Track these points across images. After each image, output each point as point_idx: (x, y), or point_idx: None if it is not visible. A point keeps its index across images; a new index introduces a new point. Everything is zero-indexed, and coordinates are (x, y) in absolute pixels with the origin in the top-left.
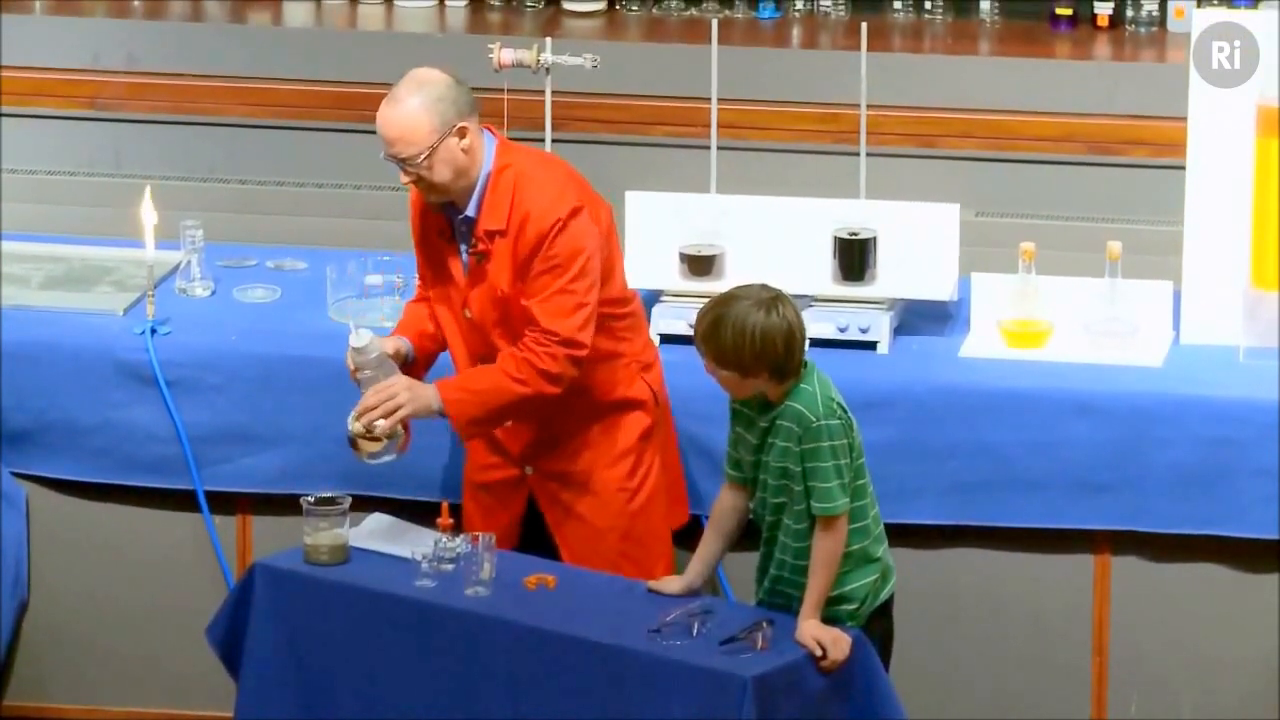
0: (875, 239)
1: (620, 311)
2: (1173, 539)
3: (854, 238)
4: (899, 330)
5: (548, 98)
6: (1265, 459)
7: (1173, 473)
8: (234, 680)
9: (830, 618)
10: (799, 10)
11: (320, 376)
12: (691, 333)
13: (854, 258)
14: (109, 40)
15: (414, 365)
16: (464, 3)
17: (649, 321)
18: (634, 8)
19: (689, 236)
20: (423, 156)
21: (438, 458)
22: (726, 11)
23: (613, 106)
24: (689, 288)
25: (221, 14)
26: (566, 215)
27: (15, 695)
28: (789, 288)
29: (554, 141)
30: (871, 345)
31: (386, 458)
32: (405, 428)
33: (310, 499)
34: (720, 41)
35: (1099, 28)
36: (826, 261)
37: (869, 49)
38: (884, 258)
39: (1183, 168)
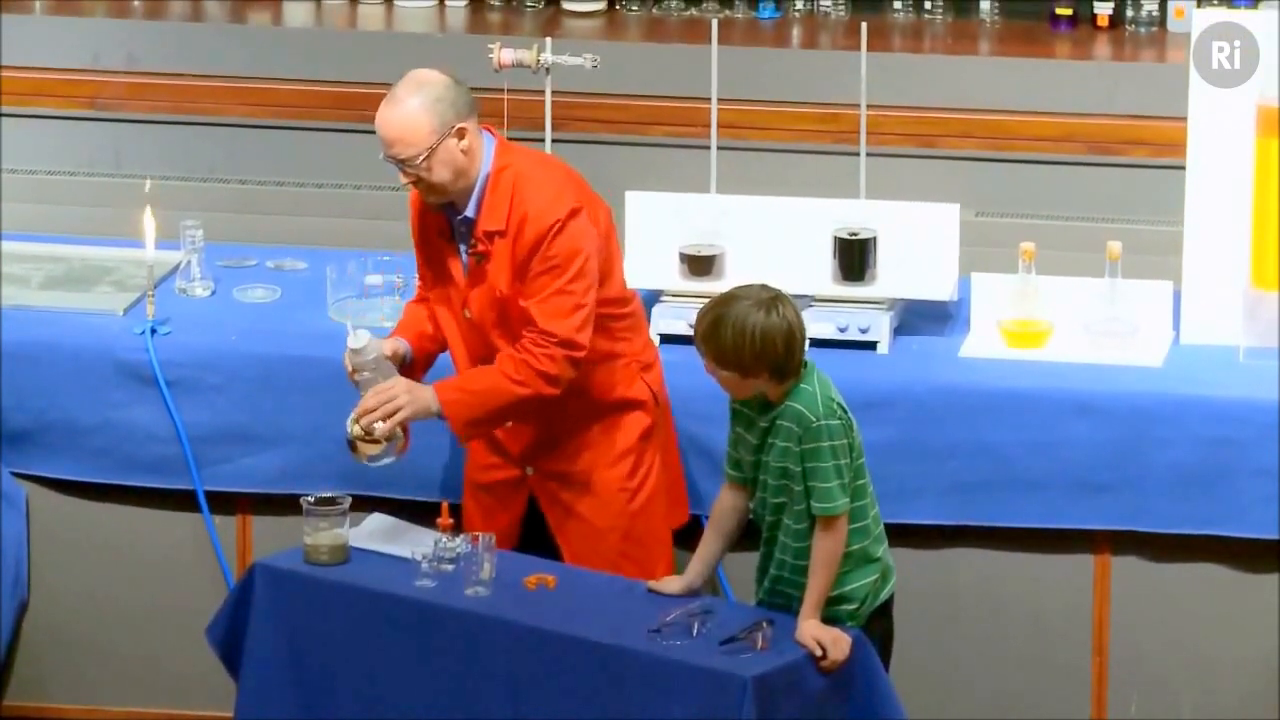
0: (875, 239)
1: (620, 312)
2: (1173, 539)
3: (854, 238)
4: (899, 330)
5: (548, 98)
6: (1265, 459)
7: (1173, 473)
8: (234, 680)
9: (830, 618)
10: (799, 10)
11: (320, 376)
12: (691, 333)
13: (854, 258)
14: (109, 40)
15: (412, 366)
16: (464, 3)
17: (649, 321)
18: (634, 8)
19: (689, 236)
20: (422, 157)
21: (438, 458)
22: (726, 11)
23: (613, 106)
24: (689, 288)
25: (221, 14)
26: (565, 216)
27: (15, 695)
28: (789, 288)
29: (554, 141)
30: (871, 345)
31: (386, 460)
32: (404, 430)
33: (310, 499)
34: (720, 41)
35: (1099, 28)
36: (826, 261)
37: (869, 49)
38: (884, 258)
39: (1183, 168)
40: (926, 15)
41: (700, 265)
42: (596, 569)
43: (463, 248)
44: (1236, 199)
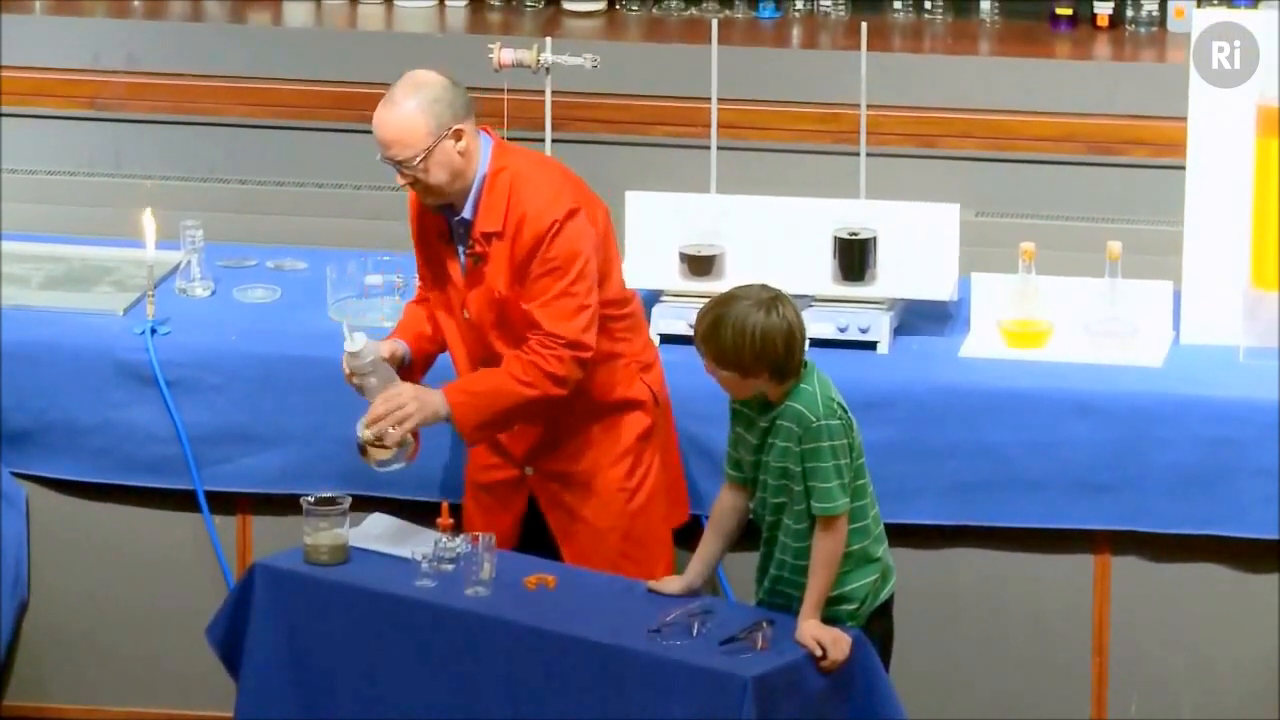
0: (875, 239)
1: (619, 313)
2: (1173, 539)
3: (854, 238)
4: (899, 330)
5: (548, 98)
6: (1265, 459)
7: (1173, 473)
8: (234, 680)
9: (830, 618)
10: (799, 10)
11: (320, 376)
12: (691, 333)
13: (854, 258)
14: (109, 40)
15: (411, 367)
16: (464, 3)
17: (649, 321)
18: (634, 8)
19: (689, 236)
20: (419, 159)
21: (438, 458)
22: (726, 11)
23: (613, 106)
24: (689, 288)
25: (221, 14)
26: (563, 217)
27: (15, 695)
28: (789, 288)
29: (554, 141)
30: (871, 345)
31: (396, 465)
32: (415, 435)
33: (310, 499)
34: (720, 41)
35: (1099, 28)
36: (826, 261)
37: (869, 49)
38: (884, 258)
39: (1183, 168)
40: (926, 15)
41: (700, 265)
42: (596, 569)
43: (461, 249)
44: (1236, 199)
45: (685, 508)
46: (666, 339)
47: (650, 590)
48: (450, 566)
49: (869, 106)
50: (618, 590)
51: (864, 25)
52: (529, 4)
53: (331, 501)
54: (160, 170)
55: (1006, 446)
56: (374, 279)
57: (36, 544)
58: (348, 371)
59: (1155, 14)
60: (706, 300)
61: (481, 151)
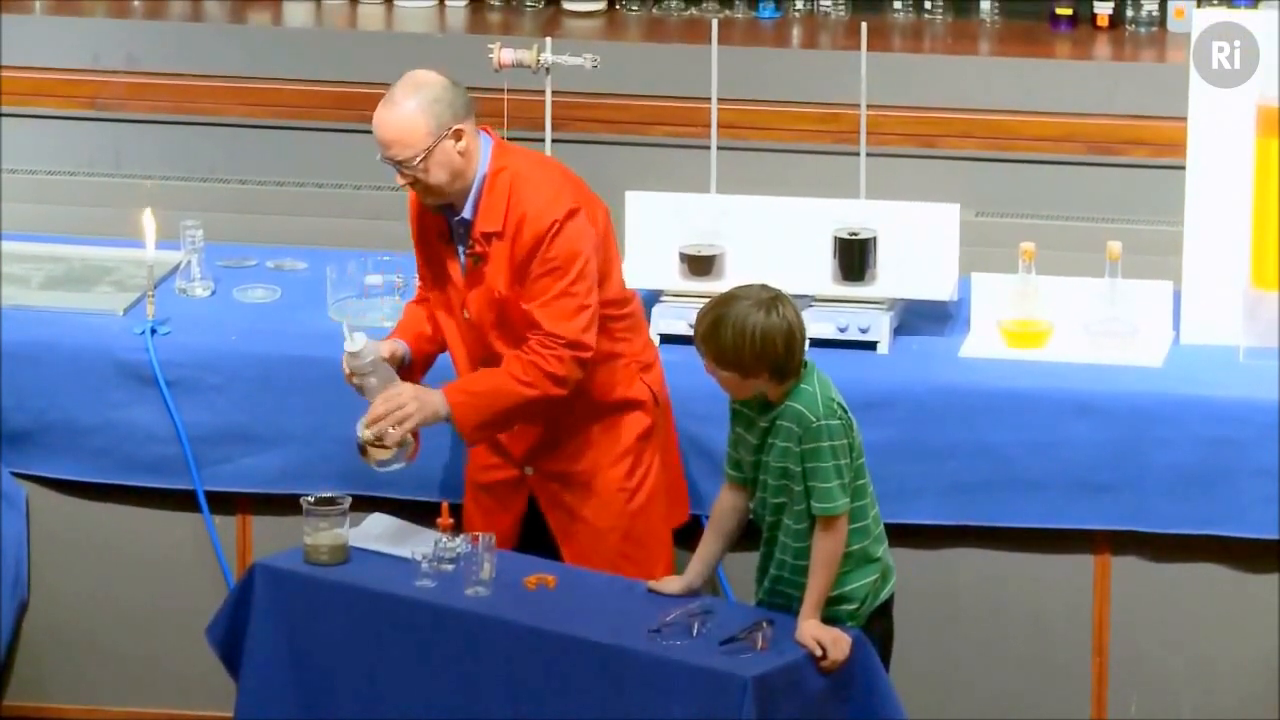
0: (875, 239)
1: (619, 313)
2: (1173, 539)
3: (854, 238)
4: (899, 330)
5: (548, 98)
6: (1265, 459)
7: (1173, 473)
8: (234, 680)
9: (830, 618)
10: (799, 10)
11: (320, 376)
12: (691, 333)
13: (854, 258)
14: (109, 40)
15: (411, 367)
16: (464, 3)
17: (649, 321)
18: (634, 8)
19: (689, 236)
20: (419, 159)
21: (438, 458)
22: (726, 11)
23: (613, 106)
24: (689, 288)
25: (221, 14)
26: (563, 217)
27: (15, 695)
28: (789, 288)
29: (554, 141)
30: (871, 345)
31: (396, 465)
32: (415, 436)
33: (310, 499)
34: (720, 41)
35: (1099, 28)
36: (826, 261)
37: (869, 49)
38: (884, 258)
39: (1183, 168)
40: (926, 15)
41: (700, 265)
42: (596, 569)
43: (461, 249)
44: (1236, 199)
45: (685, 508)
46: (666, 339)
47: (650, 590)
48: (450, 566)
49: (869, 106)
50: (618, 590)
51: (864, 25)
52: (529, 4)
53: (331, 501)
54: (160, 170)
55: (1006, 446)
56: (374, 279)
57: (36, 544)
58: (347, 371)
59: (1155, 14)
60: (706, 300)
61: (481, 151)
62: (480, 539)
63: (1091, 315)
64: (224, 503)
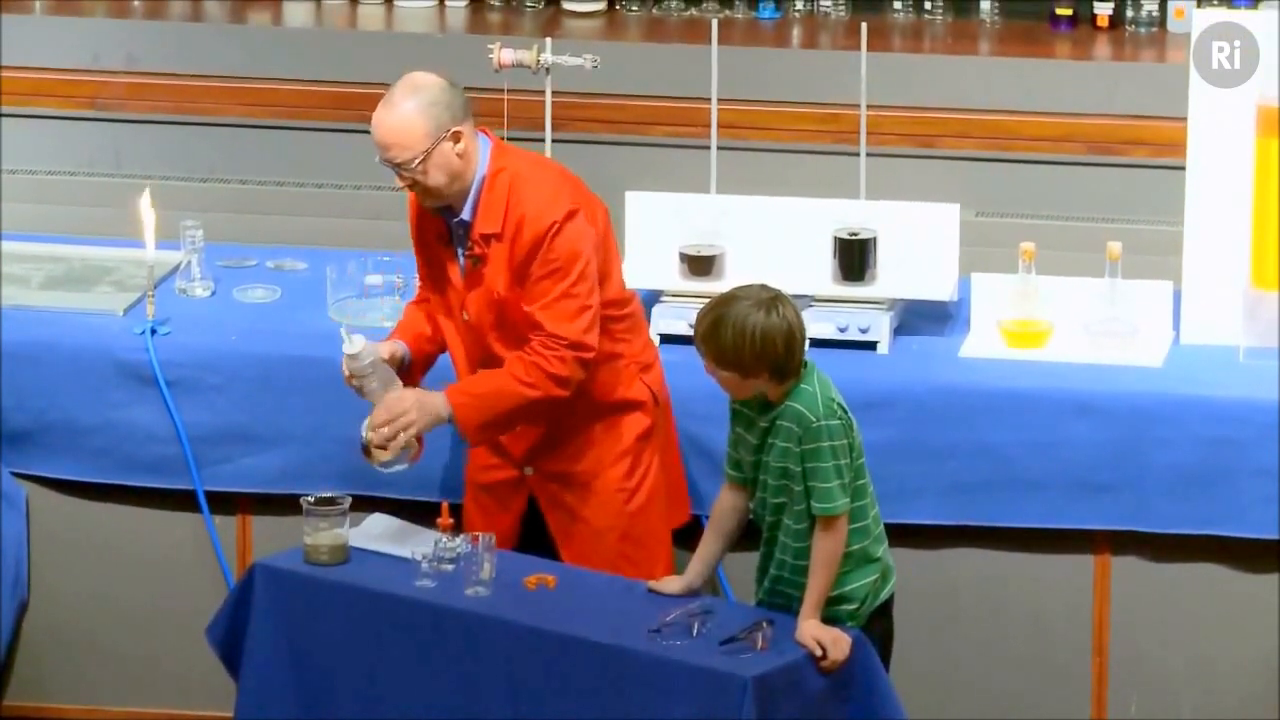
0: (875, 239)
1: (619, 313)
2: (1173, 539)
3: (854, 238)
4: (899, 330)
5: (548, 98)
6: (1265, 459)
7: (1173, 473)
8: (234, 680)
9: (830, 618)
10: (799, 10)
11: (320, 376)
12: (691, 333)
13: (854, 258)
14: (109, 40)
15: (411, 368)
16: (464, 3)
17: (649, 321)
18: (634, 8)
19: (689, 236)
20: (417, 161)
21: (438, 458)
22: (726, 11)
23: (613, 106)
24: (689, 288)
25: (221, 14)
26: (562, 218)
27: (15, 695)
28: (789, 288)
29: (554, 142)
30: (871, 345)
31: (399, 466)
32: (418, 438)
33: (310, 499)
34: (720, 41)
35: (1099, 28)
36: (826, 261)
37: (869, 49)
38: (884, 258)
39: (1183, 168)
40: (926, 15)
41: (700, 265)
42: (596, 569)
43: (460, 251)
44: (1236, 199)
45: (686, 508)
46: (666, 339)
47: (650, 590)
48: (450, 566)
49: (869, 106)
50: (618, 590)
51: (864, 25)
52: (529, 4)
53: (331, 501)
54: (160, 170)
55: (1006, 446)
56: (374, 279)
57: (36, 544)
58: (347, 374)
59: (1155, 14)
60: (706, 300)
61: (480, 153)
62: (480, 539)
63: (1091, 315)
64: (224, 503)
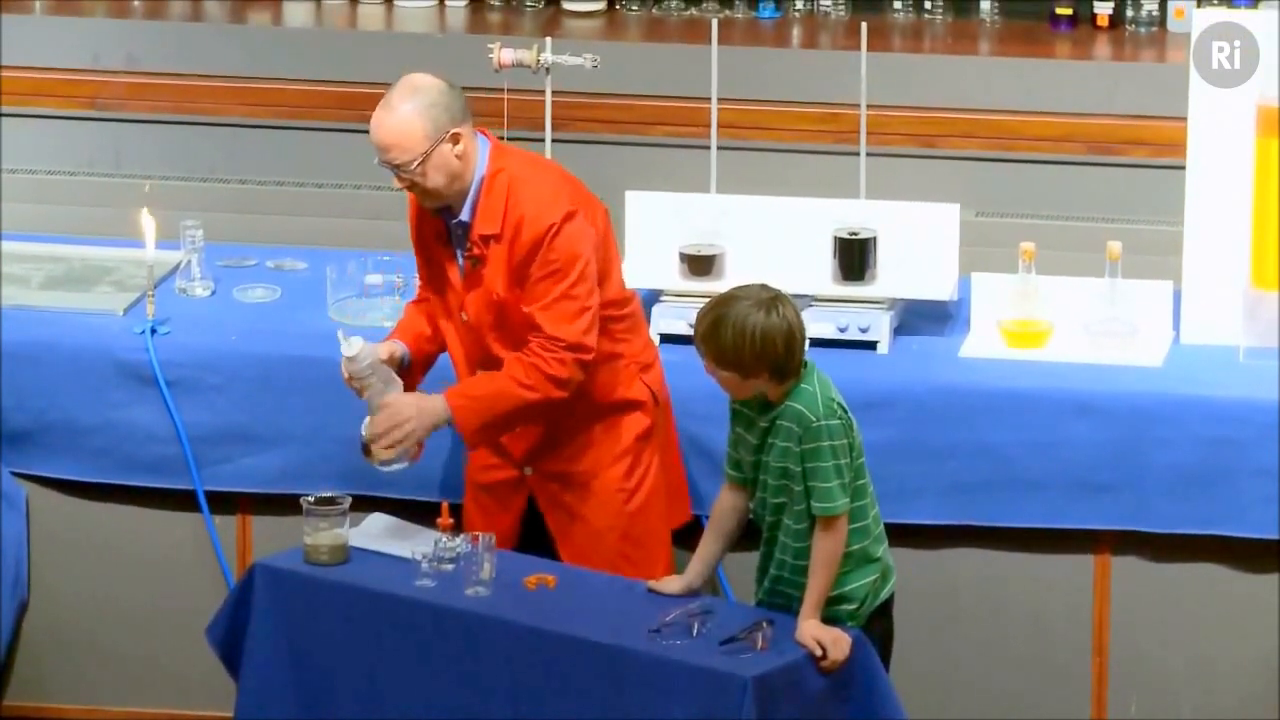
0: (875, 239)
1: (618, 313)
2: (1173, 539)
3: (854, 238)
4: (899, 330)
5: (548, 98)
6: (1265, 459)
7: (1173, 473)
8: (234, 680)
9: (830, 618)
10: (799, 10)
11: (320, 376)
12: (691, 333)
13: (854, 258)
14: (109, 40)
15: (411, 368)
16: (464, 3)
17: (649, 321)
18: (634, 8)
19: (689, 236)
20: (416, 163)
21: (438, 458)
22: (726, 11)
23: (613, 106)
24: (689, 288)
25: (221, 14)
26: (561, 220)
27: (15, 695)
28: (789, 288)
29: (554, 141)
30: (871, 345)
31: (399, 465)
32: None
33: (310, 499)
34: (720, 41)
35: (1099, 28)
36: (826, 261)
37: (869, 49)
38: (884, 258)
39: (1183, 168)
40: (926, 15)
41: (700, 265)
42: (596, 569)
43: (459, 251)
44: (1236, 199)
45: (687, 508)
46: (666, 339)
47: (650, 590)
48: (450, 566)
49: (869, 106)
50: (618, 590)
51: (864, 25)
52: (529, 4)
53: (331, 501)
54: (160, 170)
55: (1006, 446)
56: (374, 279)
57: (36, 544)
58: (346, 376)
59: (1155, 14)
60: (706, 300)
61: (479, 153)
62: (480, 539)
63: (1091, 315)
64: (224, 503)
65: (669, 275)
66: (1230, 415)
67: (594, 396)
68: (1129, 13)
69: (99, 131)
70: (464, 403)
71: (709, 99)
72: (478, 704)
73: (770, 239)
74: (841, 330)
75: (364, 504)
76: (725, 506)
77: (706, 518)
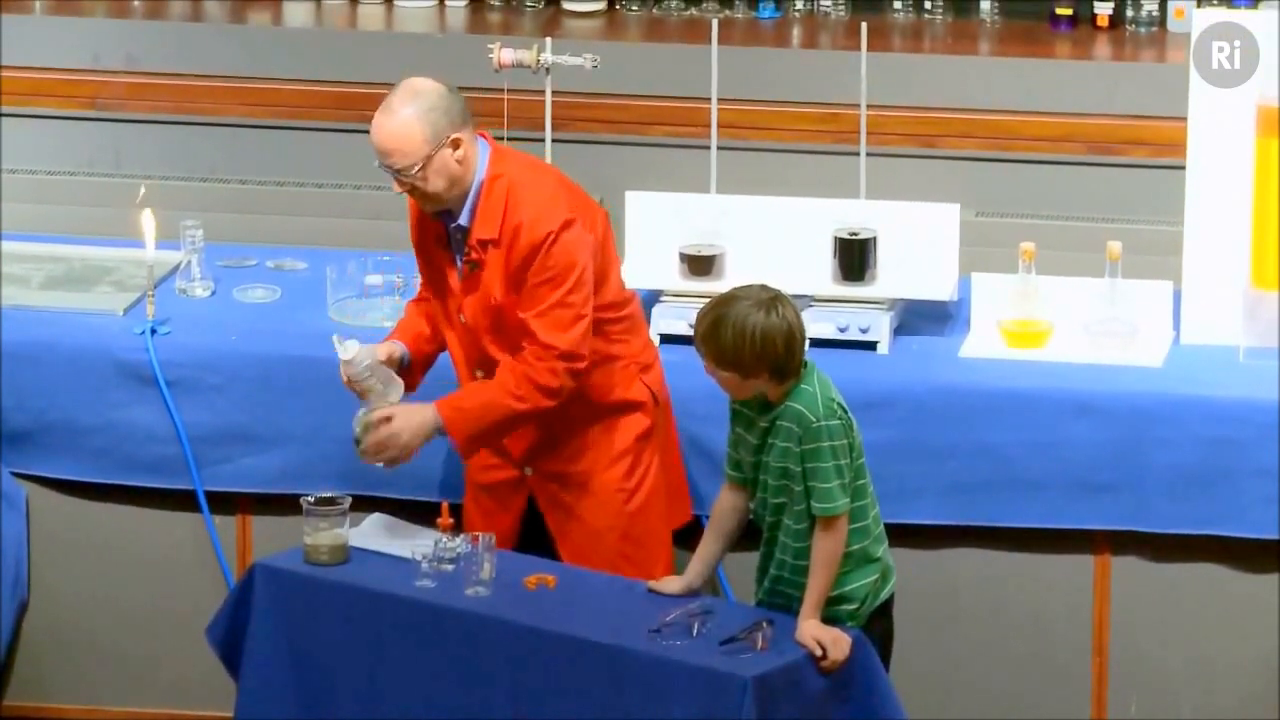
0: (875, 239)
1: (617, 315)
2: (1173, 539)
3: (854, 238)
4: (899, 330)
5: (548, 98)
6: (1265, 459)
7: (1173, 473)
8: (234, 680)
9: (830, 618)
10: (799, 10)
11: (320, 376)
12: (691, 333)
13: (854, 258)
14: (109, 40)
15: (410, 368)
16: (464, 3)
17: (649, 322)
18: (634, 8)
19: (689, 236)
20: (416, 168)
21: (438, 458)
22: (726, 11)
23: (613, 106)
24: (689, 288)
25: (221, 14)
26: (558, 228)
27: (15, 695)
28: (789, 288)
29: (554, 141)
30: (871, 345)
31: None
32: None
33: (310, 499)
34: (720, 41)
35: (1099, 28)
36: (826, 261)
37: (869, 49)
38: (884, 258)
39: (1183, 168)
40: (926, 15)
41: (700, 265)
42: (595, 569)
43: (457, 255)
44: (1236, 199)
45: (687, 508)
46: (666, 339)
47: (650, 590)
48: (450, 566)
49: (869, 106)
50: (618, 590)
51: (864, 25)
52: (529, 4)
53: (331, 501)
54: (160, 170)
55: (1006, 446)
56: (374, 279)
57: (36, 544)
58: (345, 379)
59: (1155, 14)
60: (706, 300)
61: (479, 157)
62: (480, 539)
63: (1091, 315)
64: (224, 503)
65: (669, 275)
66: (1230, 415)
67: (594, 397)
68: (1129, 13)
69: (99, 131)
70: (454, 415)
71: (709, 99)
72: (478, 704)
73: (770, 239)
74: (841, 330)
75: (364, 504)
76: (725, 506)
77: (706, 518)
